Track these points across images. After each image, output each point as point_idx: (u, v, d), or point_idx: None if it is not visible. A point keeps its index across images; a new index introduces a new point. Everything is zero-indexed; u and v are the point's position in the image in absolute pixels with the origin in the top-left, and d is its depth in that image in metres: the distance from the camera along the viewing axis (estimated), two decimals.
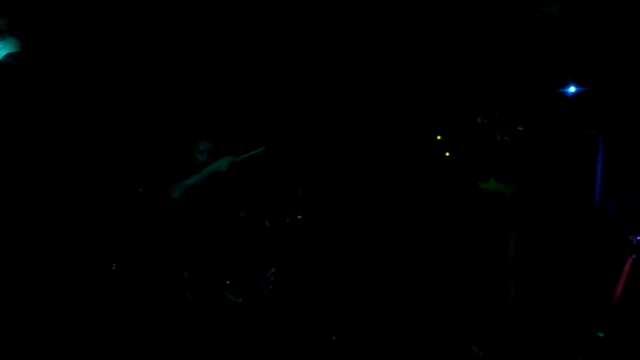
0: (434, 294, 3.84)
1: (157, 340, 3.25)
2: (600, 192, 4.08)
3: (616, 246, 3.46)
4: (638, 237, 3.18)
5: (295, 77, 4.65)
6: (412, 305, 3.81)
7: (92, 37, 3.88)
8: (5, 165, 2.45)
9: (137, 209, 3.77)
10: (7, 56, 2.40)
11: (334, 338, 3.47)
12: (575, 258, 3.69)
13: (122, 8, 4.04)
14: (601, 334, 3.15)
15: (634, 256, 3.17)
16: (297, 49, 4.58)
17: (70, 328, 3.10)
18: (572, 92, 4.11)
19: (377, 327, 3.60)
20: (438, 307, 3.74)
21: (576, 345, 3.22)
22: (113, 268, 3.62)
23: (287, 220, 4.07)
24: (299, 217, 4.10)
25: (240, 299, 3.77)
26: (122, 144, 3.88)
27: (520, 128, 3.14)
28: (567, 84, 4.11)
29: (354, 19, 4.48)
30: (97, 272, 3.55)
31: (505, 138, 3.12)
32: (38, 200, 2.73)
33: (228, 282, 3.80)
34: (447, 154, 3.85)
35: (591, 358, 3.11)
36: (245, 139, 4.26)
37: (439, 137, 4.01)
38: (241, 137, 4.34)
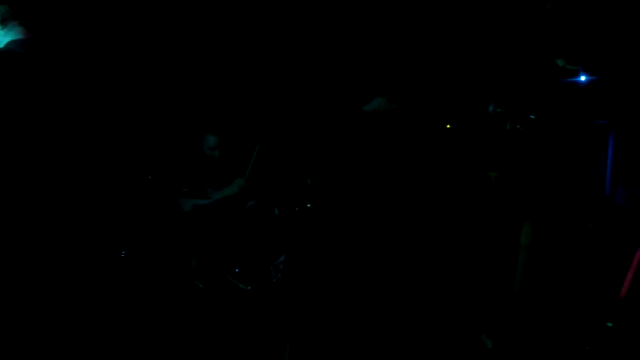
0: (443, 284, 3.84)
1: (166, 328, 3.26)
2: (610, 182, 4.07)
3: (626, 236, 3.46)
4: None
5: (302, 65, 4.63)
6: (421, 295, 3.82)
7: (100, 26, 3.87)
8: (14, 154, 2.45)
9: (146, 197, 3.78)
10: (10, 43, 2.38)
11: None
12: (585, 248, 3.69)
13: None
14: (610, 324, 3.15)
15: None
16: (303, 37, 4.56)
17: (80, 316, 3.11)
18: (584, 82, 4.09)
19: (385, 316, 3.60)
20: (447, 297, 3.74)
21: (585, 335, 3.22)
22: (122, 256, 3.64)
23: (297, 209, 4.07)
24: (309, 205, 4.10)
25: (249, 287, 3.78)
26: (131, 133, 3.89)
27: (532, 117, 3.13)
28: (578, 74, 4.08)
29: (362, 5, 4.46)
30: (107, 260, 3.57)
31: (518, 127, 3.10)
32: (48, 188, 2.74)
33: (237, 270, 3.82)
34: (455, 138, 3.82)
35: (600, 348, 3.11)
36: (251, 132, 4.28)
37: (448, 126, 3.99)
38: (247, 131, 4.35)
